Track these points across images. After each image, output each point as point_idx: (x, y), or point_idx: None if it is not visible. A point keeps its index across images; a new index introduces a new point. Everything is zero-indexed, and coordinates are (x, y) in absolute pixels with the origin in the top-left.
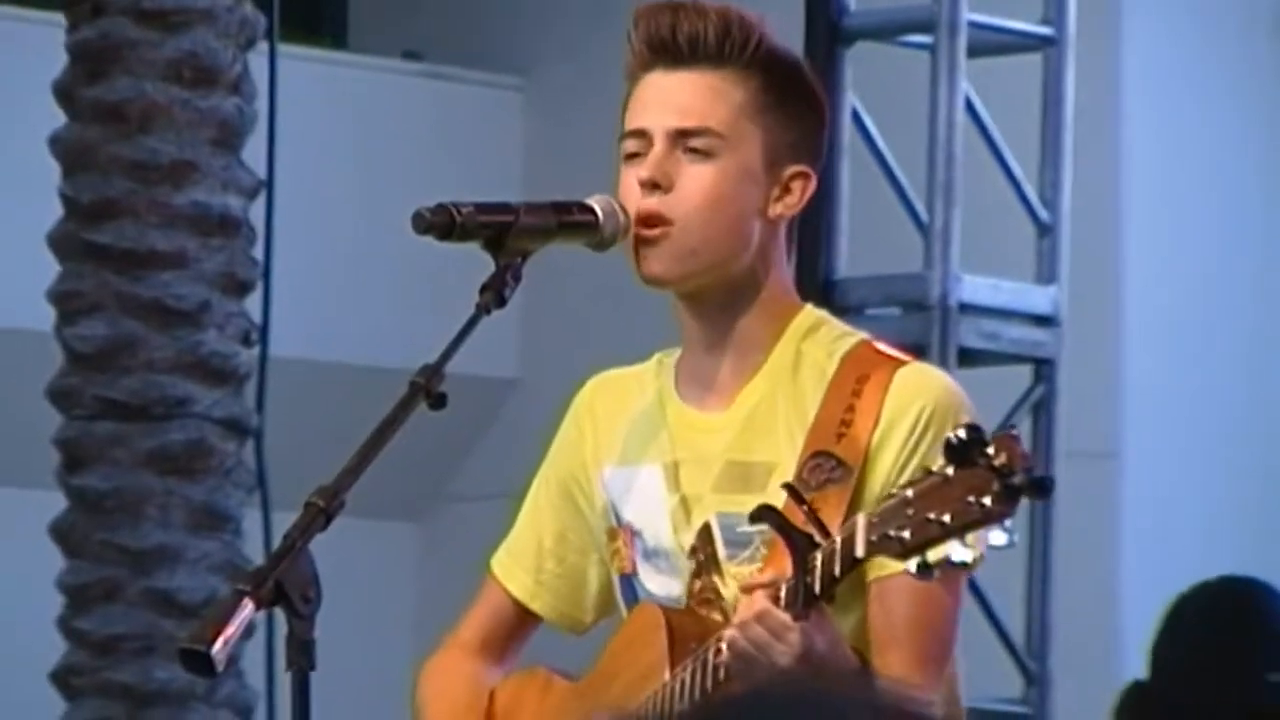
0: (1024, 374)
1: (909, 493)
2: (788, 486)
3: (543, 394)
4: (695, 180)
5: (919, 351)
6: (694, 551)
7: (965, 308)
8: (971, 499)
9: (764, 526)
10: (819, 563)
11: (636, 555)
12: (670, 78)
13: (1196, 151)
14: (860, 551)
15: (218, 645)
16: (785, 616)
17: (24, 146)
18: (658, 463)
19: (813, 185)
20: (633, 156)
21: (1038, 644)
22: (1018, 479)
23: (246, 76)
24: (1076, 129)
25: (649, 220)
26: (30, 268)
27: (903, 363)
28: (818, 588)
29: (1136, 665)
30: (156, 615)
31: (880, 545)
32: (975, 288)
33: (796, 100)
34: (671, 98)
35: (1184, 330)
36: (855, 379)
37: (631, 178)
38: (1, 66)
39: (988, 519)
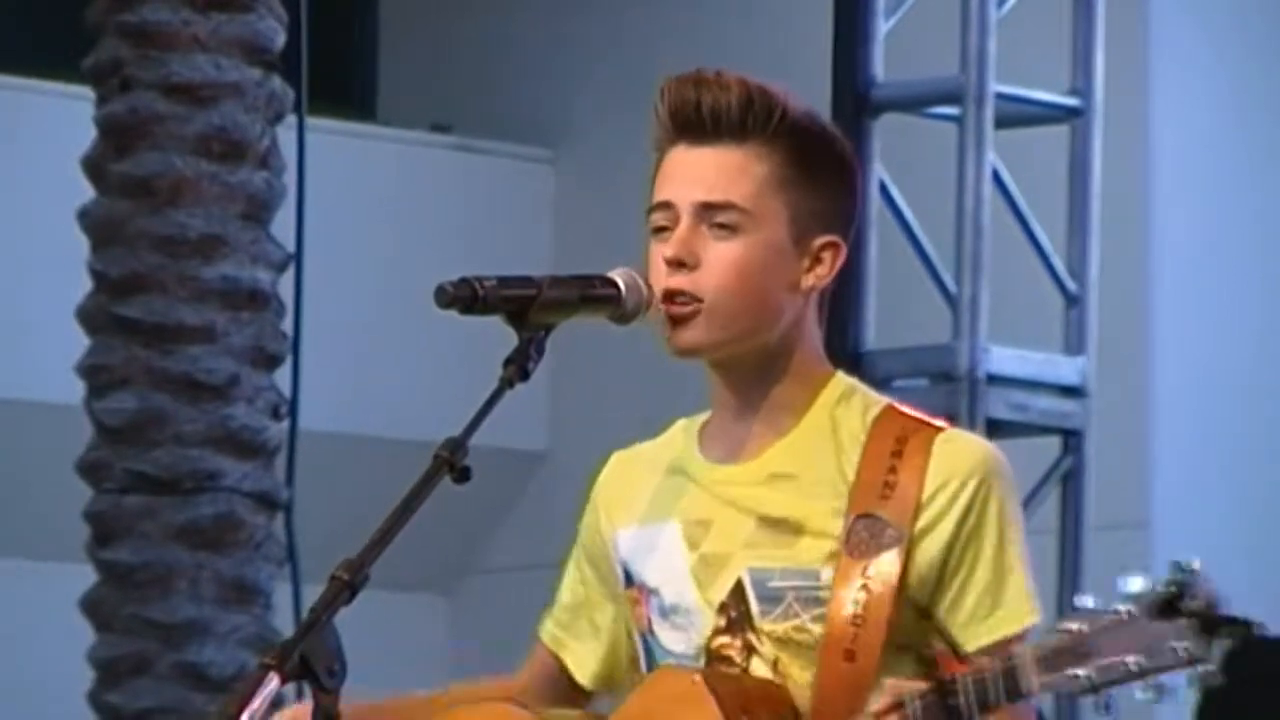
0: (1053, 445)
1: (1084, 628)
2: (935, 680)
3: (571, 466)
4: (721, 258)
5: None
6: (724, 609)
7: (993, 379)
8: (1173, 644)
9: (796, 583)
10: (970, 692)
11: (651, 613)
12: (694, 153)
13: (1226, 221)
14: (1031, 688)
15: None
16: None
17: (53, 220)
18: (679, 520)
19: (843, 254)
20: (660, 230)
21: (1068, 715)
22: (1219, 624)
23: (275, 150)
24: (1105, 199)
25: (677, 297)
26: (60, 341)
27: (938, 428)
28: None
29: None
30: (187, 689)
31: (1058, 682)
32: (1003, 359)
33: (823, 169)
34: (695, 173)
35: (1213, 400)
36: (894, 440)
37: (658, 253)
38: (31, 140)
39: (1180, 665)
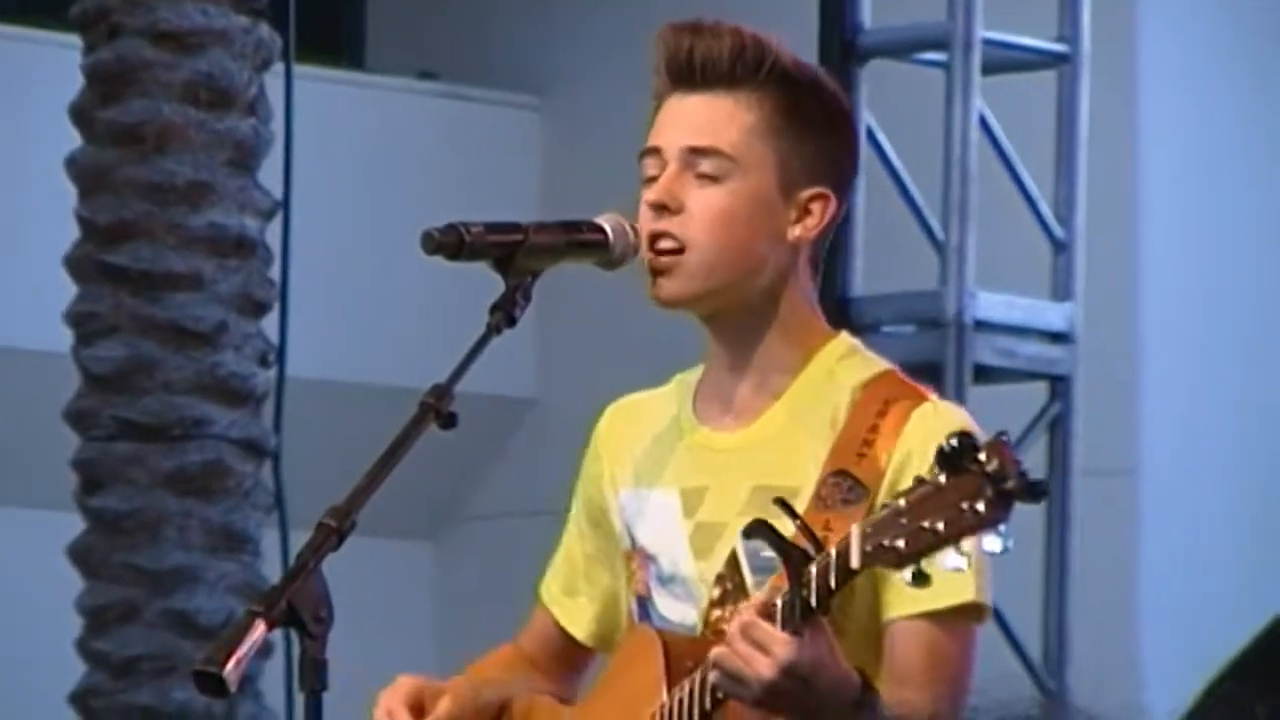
0: (1040, 391)
1: (902, 503)
2: (779, 501)
3: (559, 413)
4: (703, 203)
5: (935, 369)
6: (720, 580)
7: (981, 325)
8: (965, 506)
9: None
10: (814, 575)
11: (651, 579)
12: (686, 100)
13: (1214, 165)
14: (855, 562)
15: (230, 666)
16: (771, 629)
17: (40, 168)
18: (674, 487)
19: (834, 206)
20: (650, 180)
21: (1055, 661)
22: (1010, 484)
23: (262, 98)
24: (1093, 144)
25: (660, 240)
26: (47, 290)
27: (924, 397)
28: (813, 600)
29: (1155, 680)
30: (175, 636)
31: (876, 555)
32: (991, 305)
33: (814, 120)
34: (684, 119)
35: (1201, 345)
36: (881, 402)
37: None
38: (18, 89)
39: (981, 525)
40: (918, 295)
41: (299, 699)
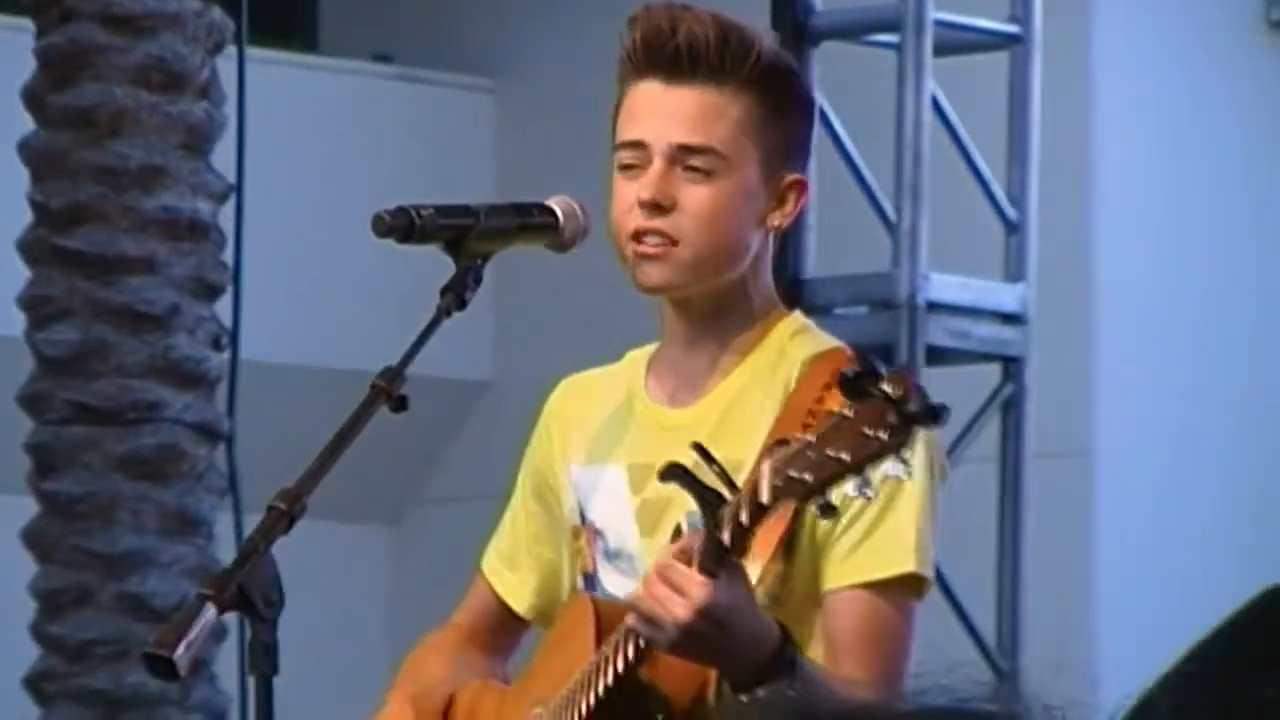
0: (993, 372)
1: (811, 436)
2: (696, 446)
3: (515, 396)
4: (697, 201)
5: (887, 350)
6: None
7: (933, 306)
8: (869, 432)
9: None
10: (727, 515)
11: (598, 555)
12: (671, 92)
13: (1167, 147)
14: (765, 497)
15: (180, 650)
16: (687, 570)
17: None
18: (623, 463)
19: (806, 191)
20: (629, 168)
21: (1009, 642)
22: (911, 407)
23: (215, 81)
24: (1047, 126)
25: (649, 238)
26: (0, 273)
27: None
28: (726, 539)
29: (1109, 662)
30: (129, 620)
31: (785, 489)
32: (943, 286)
33: (791, 109)
34: (673, 113)
35: (1155, 327)
36: (829, 374)
37: (628, 191)
38: None
39: (884, 451)
40: (870, 277)
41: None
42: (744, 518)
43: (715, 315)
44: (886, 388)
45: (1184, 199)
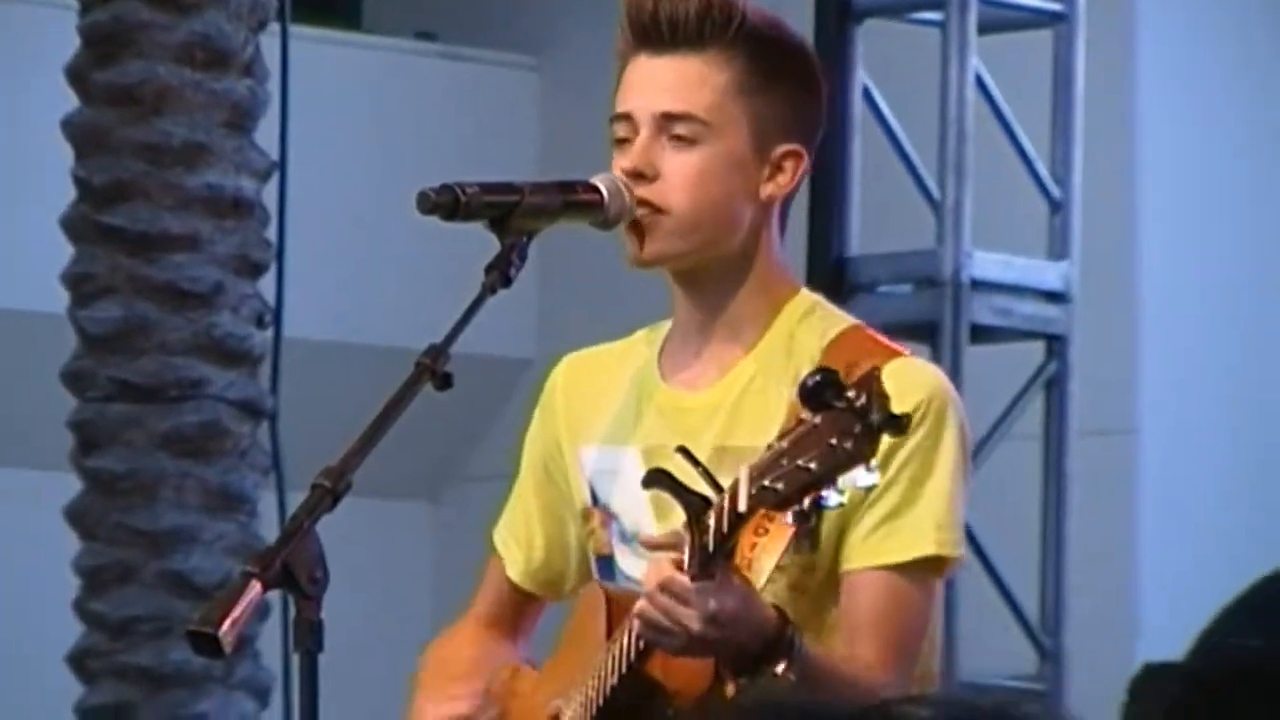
0: (1037, 350)
1: (783, 443)
2: (681, 449)
3: None
4: (681, 169)
5: (931, 328)
6: None
7: (977, 284)
8: (835, 442)
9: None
10: (711, 522)
11: (613, 538)
12: (654, 62)
13: (1212, 125)
14: (743, 506)
15: (225, 627)
16: (687, 581)
17: (37, 130)
18: (638, 446)
19: (805, 163)
20: (621, 142)
21: (1052, 620)
22: (874, 417)
23: (259, 58)
24: (1091, 104)
25: (638, 210)
26: (44, 251)
27: (895, 353)
28: (710, 546)
29: (1152, 640)
30: (172, 597)
31: (759, 498)
32: (987, 264)
33: (784, 77)
34: (654, 83)
35: (1199, 305)
36: (845, 363)
37: (619, 165)
38: (14, 50)
39: (852, 461)
40: (914, 255)
41: (296, 660)
42: (724, 526)
43: (720, 293)
44: (850, 396)
45: (1227, 176)
